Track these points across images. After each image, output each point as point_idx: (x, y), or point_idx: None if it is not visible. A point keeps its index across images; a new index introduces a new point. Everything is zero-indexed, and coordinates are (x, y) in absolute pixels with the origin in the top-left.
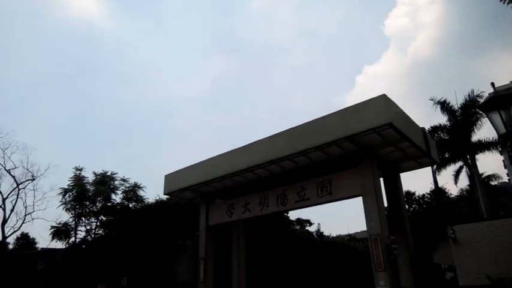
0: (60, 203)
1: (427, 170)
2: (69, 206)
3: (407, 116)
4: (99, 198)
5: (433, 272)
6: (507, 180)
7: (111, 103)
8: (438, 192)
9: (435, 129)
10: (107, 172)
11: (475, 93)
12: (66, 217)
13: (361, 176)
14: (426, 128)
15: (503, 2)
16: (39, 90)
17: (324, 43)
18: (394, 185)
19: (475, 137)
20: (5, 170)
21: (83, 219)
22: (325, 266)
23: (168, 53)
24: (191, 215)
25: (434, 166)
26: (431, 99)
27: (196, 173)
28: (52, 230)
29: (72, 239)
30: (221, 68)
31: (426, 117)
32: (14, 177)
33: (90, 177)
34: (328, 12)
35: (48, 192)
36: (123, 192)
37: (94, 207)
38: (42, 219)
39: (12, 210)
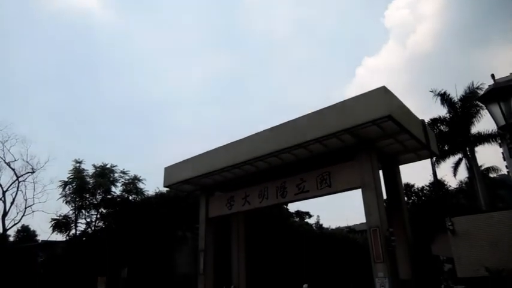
0: (60, 196)
1: (427, 162)
2: (69, 198)
3: (407, 108)
4: (99, 191)
5: (432, 264)
6: (506, 173)
7: (110, 96)
8: (437, 184)
9: (435, 121)
10: (106, 165)
11: (474, 85)
12: (66, 209)
13: (360, 168)
14: (426, 121)
15: None
16: (38, 83)
17: (323, 36)
18: (393, 177)
19: (474, 129)
20: (5, 162)
21: (83, 211)
22: (324, 257)
23: (167, 47)
24: (191, 207)
25: (434, 158)
26: (432, 91)
27: (195, 165)
28: (52, 222)
29: (73, 231)
30: (221, 62)
31: (426, 109)
32: (13, 169)
33: (90, 169)
34: (328, 4)
35: (48, 185)
36: (122, 184)
37: (94, 200)
38: (42, 212)
39: (12, 203)
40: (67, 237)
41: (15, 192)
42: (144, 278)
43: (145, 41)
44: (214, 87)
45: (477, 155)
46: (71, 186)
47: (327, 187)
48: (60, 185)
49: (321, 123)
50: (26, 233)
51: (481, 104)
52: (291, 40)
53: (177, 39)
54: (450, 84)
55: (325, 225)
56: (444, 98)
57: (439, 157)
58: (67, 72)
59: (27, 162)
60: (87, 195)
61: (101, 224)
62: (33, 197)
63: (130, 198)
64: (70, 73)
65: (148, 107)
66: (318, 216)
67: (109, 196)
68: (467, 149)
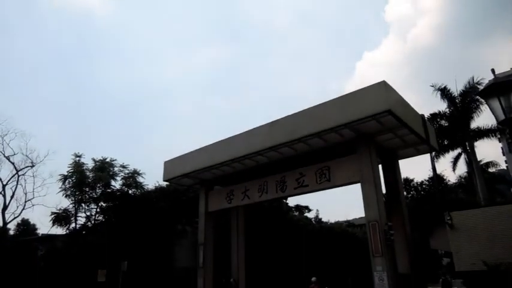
0: (59, 190)
1: (426, 157)
2: (69, 192)
3: (407, 103)
4: (98, 185)
5: (430, 258)
6: (505, 167)
7: (110, 88)
8: (436, 179)
9: (434, 116)
10: (106, 159)
11: (475, 80)
12: (66, 203)
13: (359, 163)
14: (426, 115)
15: None
16: (37, 76)
17: (324, 29)
18: (392, 172)
19: (474, 124)
20: (4, 156)
21: (83, 205)
22: (323, 251)
23: (168, 38)
24: (191, 201)
25: (433, 153)
26: (432, 86)
27: (195, 159)
28: (52, 216)
29: (73, 225)
30: (221, 53)
31: (426, 104)
32: (13, 163)
33: (89, 163)
34: None
35: (47, 179)
36: (122, 178)
37: (94, 194)
38: (42, 206)
39: (12, 197)
40: (67, 231)
41: (15, 186)
42: (144, 271)
43: (145, 32)
44: (214, 78)
45: (476, 150)
46: (70, 180)
47: (326, 181)
48: (60, 179)
49: (321, 118)
50: (26, 227)
51: (481, 99)
52: (291, 32)
53: (176, 29)
54: (451, 79)
55: (324, 220)
56: (444, 92)
57: (439, 152)
58: (66, 65)
59: (26, 156)
60: (87, 189)
61: (100, 217)
62: (33, 191)
63: (130, 192)
64: (69, 66)
65: (148, 99)
66: (317, 210)
67: (109, 190)
68: (467, 143)
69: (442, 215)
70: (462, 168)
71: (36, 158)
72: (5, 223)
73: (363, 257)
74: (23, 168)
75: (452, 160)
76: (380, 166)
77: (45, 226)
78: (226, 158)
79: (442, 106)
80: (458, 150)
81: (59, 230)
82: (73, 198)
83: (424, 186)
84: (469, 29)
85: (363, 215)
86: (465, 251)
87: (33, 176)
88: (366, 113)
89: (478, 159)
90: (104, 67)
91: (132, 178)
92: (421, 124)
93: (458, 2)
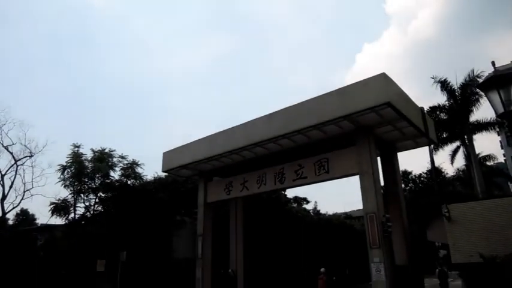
0: (58, 180)
1: (424, 150)
2: (67, 182)
3: (407, 96)
4: (97, 175)
5: (427, 250)
6: (503, 161)
7: (109, 80)
8: (435, 171)
9: (434, 109)
10: (105, 149)
11: (475, 73)
12: (65, 193)
13: (358, 155)
14: (425, 108)
15: None
16: (35, 66)
17: (324, 20)
18: (391, 164)
19: (473, 117)
20: (3, 146)
21: (82, 195)
22: (321, 243)
23: (168, 29)
24: (190, 192)
25: (432, 146)
26: (433, 78)
27: (194, 150)
28: (51, 206)
29: (72, 215)
30: (221, 45)
31: (426, 96)
32: (11, 153)
33: (88, 154)
34: None
35: (46, 169)
36: (121, 169)
37: (93, 184)
38: (41, 196)
39: (11, 187)
40: (66, 221)
41: (13, 176)
42: (143, 261)
43: (145, 23)
44: (214, 70)
45: (475, 143)
46: (69, 170)
47: (325, 173)
48: (59, 169)
49: (320, 110)
50: (25, 217)
51: (480, 92)
52: (291, 23)
53: (176, 21)
54: (451, 72)
55: (322, 211)
56: (444, 85)
57: (437, 145)
58: (64, 56)
59: (25, 146)
60: (86, 180)
61: (99, 208)
62: (32, 181)
63: (129, 183)
64: (67, 57)
65: (147, 90)
66: (316, 202)
67: (108, 180)
68: (466, 137)
69: (439, 207)
70: (460, 161)
71: (35, 148)
72: (3, 213)
73: (361, 249)
74: (22, 158)
75: (451, 153)
76: (379, 158)
77: (44, 216)
78: (225, 150)
79: (442, 99)
80: (457, 143)
81: (58, 220)
82: (72, 189)
83: (422, 178)
84: (469, 22)
85: (361, 207)
86: (462, 243)
87: (32, 166)
88: (365, 105)
89: (477, 153)
90: (103, 58)
91: (131, 169)
92: (421, 117)
93: None
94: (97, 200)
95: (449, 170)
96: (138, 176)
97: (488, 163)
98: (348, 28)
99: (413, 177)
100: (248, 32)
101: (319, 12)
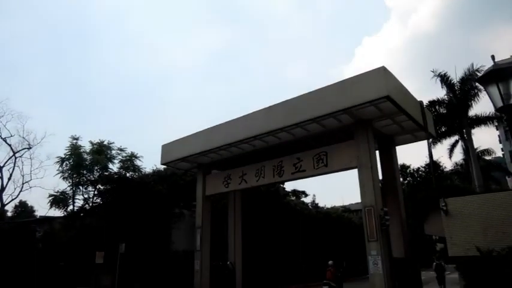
0: (57, 172)
1: (423, 144)
2: (66, 174)
3: (406, 89)
4: (96, 168)
5: (424, 243)
6: (501, 155)
7: (107, 72)
8: (433, 165)
9: (433, 103)
10: (103, 141)
11: (474, 67)
12: (63, 186)
13: (357, 149)
14: (425, 102)
15: None
16: (33, 59)
17: (324, 13)
18: (389, 158)
19: (472, 112)
20: (1, 138)
21: (81, 187)
22: (320, 236)
23: (166, 22)
24: (188, 184)
25: (430, 140)
26: (433, 71)
27: (193, 143)
28: (50, 198)
29: (70, 207)
30: (220, 38)
31: (426, 90)
32: (10, 145)
33: (87, 146)
34: None
35: (45, 161)
36: (120, 161)
37: (91, 176)
38: (39, 188)
39: (9, 179)
40: (65, 213)
41: (12, 168)
42: (142, 253)
43: (143, 15)
44: (213, 63)
45: (473, 138)
46: (68, 162)
47: (323, 166)
48: (57, 161)
49: (319, 103)
50: (23, 209)
51: (479, 87)
52: (291, 16)
53: (176, 13)
54: (451, 66)
55: (321, 205)
56: (444, 79)
57: (436, 139)
58: (63, 48)
59: (23, 138)
60: (85, 172)
61: (98, 200)
62: (31, 173)
63: (127, 175)
64: (66, 48)
65: (146, 82)
66: (314, 195)
67: (106, 173)
68: (464, 131)
69: (437, 201)
70: (458, 155)
71: (33, 140)
72: (2, 205)
73: (359, 242)
74: (20, 150)
75: (449, 147)
76: (377, 152)
77: (43, 208)
78: (223, 142)
79: (441, 93)
80: (456, 137)
81: (57, 212)
82: (71, 181)
83: (420, 172)
84: (470, 16)
85: (359, 200)
86: (459, 236)
87: (30, 158)
88: (364, 99)
89: (475, 147)
90: (102, 50)
91: (129, 161)
92: (420, 111)
93: None
94: (96, 192)
95: (448, 164)
96: (136, 169)
97: (486, 157)
98: (348, 21)
99: (412, 171)
100: (247, 25)
101: (319, 5)
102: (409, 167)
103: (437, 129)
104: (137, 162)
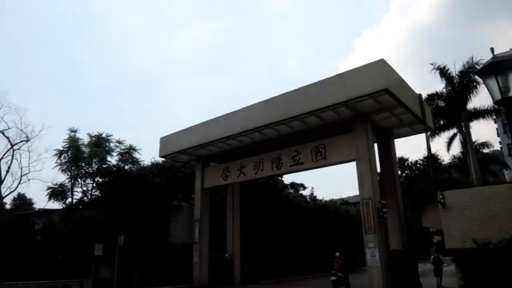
0: (55, 165)
1: (421, 138)
2: (64, 167)
3: (405, 82)
4: (94, 160)
5: (422, 235)
6: (499, 148)
7: (104, 66)
8: (431, 158)
9: (432, 96)
10: (101, 134)
11: (474, 60)
12: (62, 178)
13: (355, 142)
14: (424, 95)
15: None
16: (29, 52)
17: (323, 5)
18: (387, 151)
19: (470, 105)
20: None
21: (79, 180)
22: (318, 228)
23: (164, 15)
24: (187, 177)
25: (429, 133)
26: (432, 64)
27: (191, 136)
28: (49, 190)
29: (69, 199)
30: (218, 30)
31: (425, 82)
32: (8, 138)
33: (85, 139)
34: None
35: (43, 154)
36: (118, 154)
37: (90, 169)
38: (38, 180)
39: (7, 171)
40: (64, 206)
41: (10, 161)
42: (141, 246)
43: (141, 8)
44: (212, 56)
45: (471, 131)
46: (66, 155)
47: (321, 159)
48: (55, 154)
49: (318, 96)
50: (22, 201)
51: (478, 80)
52: (290, 8)
53: (173, 7)
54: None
55: (319, 197)
56: (443, 72)
57: (434, 132)
58: (60, 40)
59: (21, 130)
60: (83, 164)
61: (97, 193)
62: (29, 166)
63: (126, 167)
64: (63, 41)
65: (144, 75)
66: (312, 188)
67: (105, 165)
68: (463, 124)
69: (435, 194)
70: (457, 148)
71: (31, 133)
72: (1, 197)
73: (356, 234)
74: (18, 143)
75: (448, 140)
76: (375, 145)
77: (41, 201)
78: (222, 135)
79: (441, 86)
80: (454, 130)
81: (56, 205)
82: (69, 173)
83: (418, 165)
84: (470, 9)
85: (357, 193)
86: (456, 229)
87: (28, 150)
88: (363, 92)
89: (473, 140)
90: (98, 43)
91: (128, 154)
92: (418, 103)
93: None
94: (94, 185)
95: (446, 157)
96: (135, 161)
97: (484, 150)
98: (348, 13)
99: (410, 164)
100: (246, 16)
101: None
102: (407, 159)
103: (435, 122)
104: (136, 155)
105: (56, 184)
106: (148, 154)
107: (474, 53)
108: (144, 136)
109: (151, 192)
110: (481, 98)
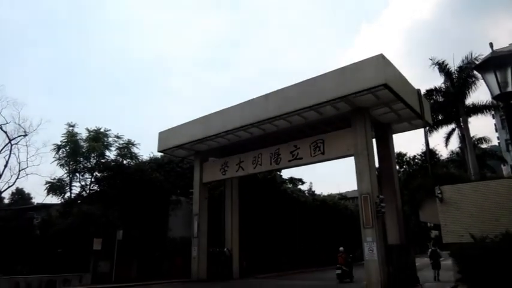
0: (54, 159)
1: (419, 134)
2: (63, 162)
3: (404, 77)
4: (93, 155)
5: (419, 230)
6: (497, 144)
7: (103, 59)
8: (429, 153)
9: (430, 92)
10: (100, 129)
11: (473, 56)
12: (60, 173)
13: (354, 136)
14: (422, 90)
15: None
16: (28, 45)
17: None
18: (386, 146)
19: (469, 100)
20: None
21: (78, 175)
22: (316, 223)
23: (161, 9)
24: (185, 172)
25: (427, 128)
26: (431, 59)
27: (190, 130)
28: (47, 185)
29: (68, 194)
30: (218, 24)
31: (424, 77)
32: (5, 132)
33: (83, 133)
34: None
35: (41, 148)
36: (117, 149)
37: (88, 164)
38: (36, 175)
39: (5, 166)
40: (62, 200)
41: (8, 155)
42: (139, 240)
43: (141, 4)
44: (211, 50)
45: (470, 126)
46: (64, 149)
47: (320, 154)
48: (54, 149)
49: (317, 91)
50: (20, 196)
51: (477, 75)
52: (290, 2)
53: (173, 5)
54: (449, 54)
55: (317, 192)
56: (442, 67)
57: (432, 127)
58: (58, 34)
59: (19, 125)
60: (81, 159)
61: (95, 187)
62: (27, 160)
63: (124, 162)
64: (61, 35)
65: (144, 70)
66: (311, 183)
67: (103, 160)
68: (461, 119)
69: (432, 188)
70: (455, 143)
71: (29, 127)
72: None
73: (355, 228)
74: (16, 137)
75: (446, 135)
76: (374, 140)
77: (40, 195)
78: (220, 130)
79: (440, 81)
80: (452, 125)
81: (54, 200)
82: (67, 168)
83: (416, 160)
84: (470, 4)
85: (355, 187)
86: (453, 223)
87: (26, 145)
88: (362, 86)
89: (471, 135)
90: (96, 37)
91: (126, 148)
92: (417, 99)
93: None
94: (93, 180)
95: (444, 152)
96: (133, 156)
97: (482, 146)
98: (348, 7)
99: (408, 159)
100: (245, 10)
101: None
102: (405, 155)
103: (434, 118)
104: (134, 150)
105: (55, 179)
106: (147, 149)
107: (474, 48)
108: (143, 130)
109: (149, 187)
110: (480, 93)
